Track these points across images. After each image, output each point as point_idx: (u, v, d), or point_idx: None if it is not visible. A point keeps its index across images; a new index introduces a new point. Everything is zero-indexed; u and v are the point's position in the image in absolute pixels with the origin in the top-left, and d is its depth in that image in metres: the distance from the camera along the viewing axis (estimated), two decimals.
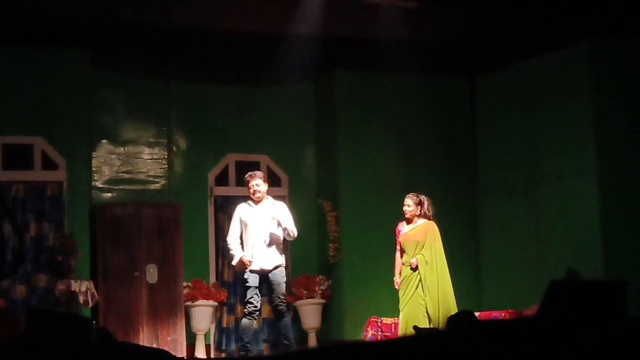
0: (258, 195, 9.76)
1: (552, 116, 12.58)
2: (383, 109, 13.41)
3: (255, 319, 9.93)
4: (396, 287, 9.92)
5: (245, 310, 9.76)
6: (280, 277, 9.74)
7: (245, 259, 9.66)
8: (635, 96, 11.93)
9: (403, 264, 9.88)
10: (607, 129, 11.95)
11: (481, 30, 12.16)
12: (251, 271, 9.66)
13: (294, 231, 9.79)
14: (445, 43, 12.37)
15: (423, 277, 9.69)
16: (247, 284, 9.69)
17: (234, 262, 10.00)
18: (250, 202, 9.86)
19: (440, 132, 13.66)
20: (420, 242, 9.79)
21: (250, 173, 10.01)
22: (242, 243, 9.82)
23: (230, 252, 9.92)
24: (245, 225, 9.77)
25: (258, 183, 9.76)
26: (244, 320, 9.78)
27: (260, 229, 9.72)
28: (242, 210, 9.86)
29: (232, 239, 9.83)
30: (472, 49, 12.72)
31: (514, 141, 13.16)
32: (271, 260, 9.72)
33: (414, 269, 9.73)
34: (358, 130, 13.25)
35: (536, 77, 12.86)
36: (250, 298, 9.64)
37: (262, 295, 9.92)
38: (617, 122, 11.95)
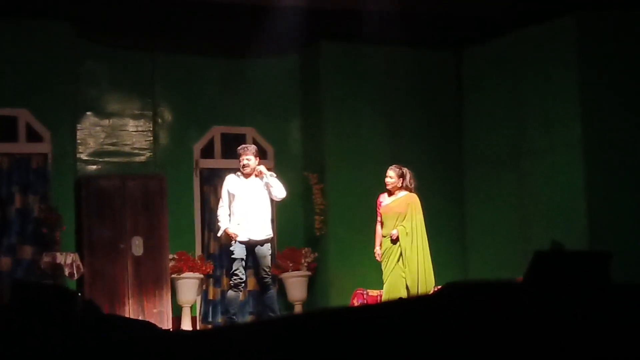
0: (247, 170, 9.79)
1: (538, 89, 12.59)
2: (369, 82, 13.39)
3: (241, 291, 9.97)
4: (377, 258, 9.95)
5: (230, 282, 9.79)
6: (266, 250, 9.78)
7: (230, 231, 9.69)
8: (622, 69, 11.94)
9: (384, 236, 9.90)
10: (593, 102, 11.97)
11: (467, 2, 12.13)
12: (239, 242, 9.69)
13: (280, 188, 9.83)
14: (431, 15, 12.33)
15: (403, 249, 9.72)
16: (232, 256, 9.72)
17: (219, 234, 10.11)
18: (239, 173, 9.89)
19: (426, 104, 13.65)
20: (401, 214, 9.81)
21: (243, 146, 10.08)
22: (230, 214, 9.87)
23: (218, 223, 10.00)
24: (234, 196, 9.81)
25: (249, 157, 9.80)
26: (230, 293, 9.81)
27: (249, 200, 9.75)
28: (230, 182, 9.90)
29: (222, 211, 9.89)
30: (458, 21, 12.69)
31: (499, 113, 13.17)
32: (260, 231, 9.76)
33: (395, 240, 9.75)
34: (344, 102, 13.24)
35: (522, 50, 12.85)
36: (236, 270, 9.67)
37: (247, 268, 9.96)
38: (603, 95, 11.96)
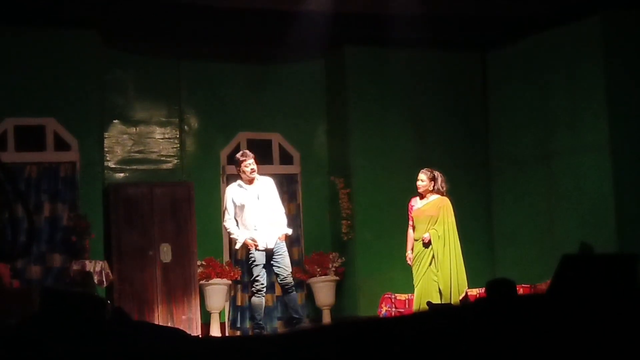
0: (254, 174, 9.82)
1: (565, 89, 12.53)
2: (394, 85, 13.38)
3: (264, 296, 9.97)
4: (408, 262, 9.93)
5: (253, 289, 9.80)
6: (283, 250, 9.80)
7: (249, 240, 9.69)
8: None
9: (415, 239, 9.87)
10: (620, 102, 11.90)
11: (493, 4, 12.09)
12: (257, 250, 9.70)
13: (284, 218, 9.95)
14: (456, 17, 12.31)
15: (435, 252, 9.69)
16: (254, 262, 9.71)
17: (237, 246, 10.05)
18: (240, 182, 9.87)
19: (452, 106, 13.62)
20: (433, 217, 9.79)
21: (243, 152, 10.08)
22: (237, 225, 9.86)
23: (232, 235, 9.97)
24: (242, 207, 9.78)
25: (253, 162, 9.81)
26: (254, 299, 9.81)
27: (258, 207, 9.76)
28: (234, 193, 9.85)
29: (230, 223, 9.85)
30: (483, 23, 12.65)
31: (526, 115, 13.11)
32: (275, 236, 9.78)
33: (427, 244, 9.73)
34: (369, 106, 13.23)
35: (548, 51, 12.79)
36: (257, 276, 9.68)
37: (268, 272, 9.97)
38: (630, 95, 11.89)
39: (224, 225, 10.06)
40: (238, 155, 10.00)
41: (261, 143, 13.14)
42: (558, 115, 12.62)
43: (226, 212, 9.90)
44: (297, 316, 9.86)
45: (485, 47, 13.70)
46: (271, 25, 12.15)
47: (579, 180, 12.27)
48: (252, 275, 9.76)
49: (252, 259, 9.73)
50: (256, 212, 9.76)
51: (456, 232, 9.88)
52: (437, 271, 9.67)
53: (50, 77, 11.86)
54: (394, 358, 2.11)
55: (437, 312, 2.51)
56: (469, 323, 2.11)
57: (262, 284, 9.70)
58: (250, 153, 9.97)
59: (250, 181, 9.82)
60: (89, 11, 11.56)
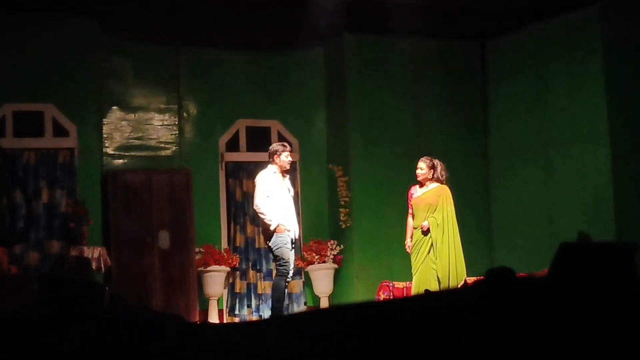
0: (291, 166, 9.91)
1: (563, 78, 12.52)
2: (393, 73, 13.36)
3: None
4: (407, 250, 9.94)
5: (284, 270, 9.59)
6: (295, 245, 9.95)
7: (282, 227, 9.65)
8: None
9: (415, 227, 9.88)
10: (619, 91, 11.90)
11: None
12: (288, 236, 9.75)
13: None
14: (455, 6, 12.29)
15: (434, 241, 9.70)
16: (286, 246, 9.65)
17: (272, 227, 9.71)
18: (275, 170, 9.83)
19: (451, 95, 13.61)
20: (432, 205, 9.79)
21: (282, 142, 10.18)
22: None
23: (266, 216, 9.75)
24: (278, 194, 9.75)
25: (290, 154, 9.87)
26: (282, 283, 9.69)
27: (289, 198, 9.82)
28: (270, 179, 9.80)
29: (266, 207, 9.70)
30: (482, 12, 12.63)
31: (525, 104, 13.11)
32: (297, 227, 9.94)
33: (425, 232, 9.73)
34: (368, 94, 13.22)
35: (547, 40, 12.78)
36: (289, 259, 9.64)
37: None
38: (629, 84, 11.88)
39: (257, 208, 9.79)
40: (277, 145, 9.98)
41: (260, 131, 13.14)
42: (557, 104, 12.62)
43: (262, 196, 9.73)
44: (278, 305, 9.82)
45: (485, 36, 13.69)
46: (271, 13, 12.12)
47: (577, 170, 12.27)
48: (281, 258, 9.62)
49: (285, 243, 9.65)
50: (287, 202, 9.80)
51: (455, 221, 9.88)
52: (436, 259, 9.68)
53: (49, 64, 11.86)
54: (391, 340, 2.11)
55: (435, 295, 2.52)
56: (466, 305, 2.11)
57: (291, 267, 9.73)
58: (288, 145, 10.07)
59: (285, 172, 9.86)
60: None
